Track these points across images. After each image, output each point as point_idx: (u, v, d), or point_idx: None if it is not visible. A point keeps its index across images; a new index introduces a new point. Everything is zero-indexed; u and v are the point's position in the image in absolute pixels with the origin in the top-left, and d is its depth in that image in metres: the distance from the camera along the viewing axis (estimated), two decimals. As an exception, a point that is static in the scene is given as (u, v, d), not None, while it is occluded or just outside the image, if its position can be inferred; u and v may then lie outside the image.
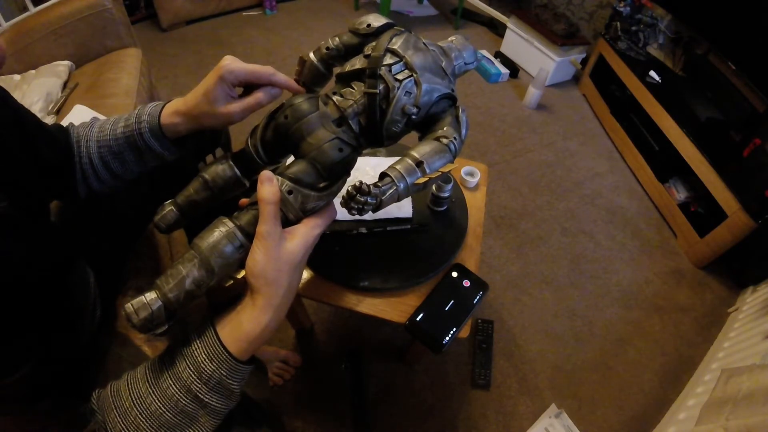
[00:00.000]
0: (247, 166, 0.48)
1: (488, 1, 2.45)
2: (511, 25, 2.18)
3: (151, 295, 0.39)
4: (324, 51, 0.51)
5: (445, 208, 0.78)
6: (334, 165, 0.43)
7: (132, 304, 0.39)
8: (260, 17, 2.45)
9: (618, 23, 1.85)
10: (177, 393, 0.38)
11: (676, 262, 1.41)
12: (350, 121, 0.44)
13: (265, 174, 0.39)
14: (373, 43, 0.46)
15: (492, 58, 2.19)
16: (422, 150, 0.44)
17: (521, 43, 2.15)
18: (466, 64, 0.51)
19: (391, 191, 0.41)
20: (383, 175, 0.42)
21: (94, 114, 1.01)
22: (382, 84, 0.43)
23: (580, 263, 1.37)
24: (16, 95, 1.00)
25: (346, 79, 0.46)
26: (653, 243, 1.46)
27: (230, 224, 0.42)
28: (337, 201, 0.44)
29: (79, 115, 1.01)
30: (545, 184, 1.62)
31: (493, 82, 2.10)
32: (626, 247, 1.44)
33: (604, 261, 1.38)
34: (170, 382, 0.38)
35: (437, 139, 0.45)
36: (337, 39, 0.50)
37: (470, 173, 0.84)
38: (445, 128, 0.46)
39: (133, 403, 0.38)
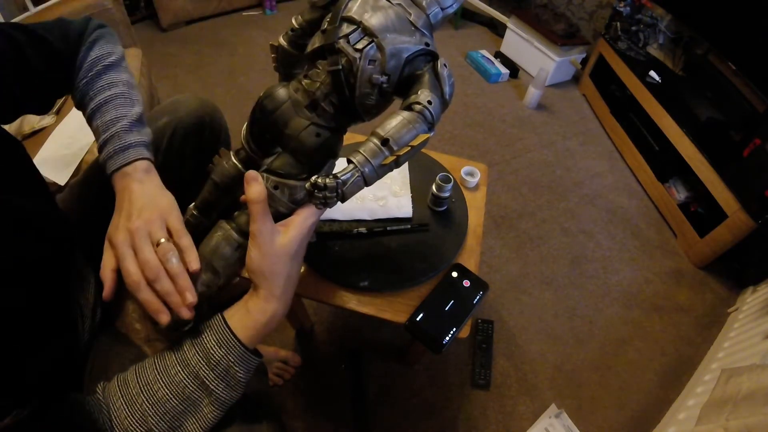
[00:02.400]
0: (248, 161, 0.49)
1: (488, 1, 2.45)
2: (511, 25, 2.17)
3: None
4: (290, 33, 0.49)
5: (445, 208, 0.78)
6: (313, 152, 0.42)
7: None
8: (260, 17, 2.46)
9: (618, 23, 1.84)
10: (185, 379, 0.39)
11: (676, 262, 1.41)
12: (322, 104, 0.41)
13: (250, 174, 0.40)
14: (329, 15, 0.42)
15: (492, 58, 2.18)
16: (388, 125, 0.39)
17: (521, 43, 2.15)
18: (443, 9, 0.43)
19: (353, 179, 0.38)
20: (348, 162, 0.39)
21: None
22: (343, 58, 0.39)
23: (580, 263, 1.37)
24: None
25: (312, 59, 0.43)
26: (653, 243, 1.46)
27: (226, 227, 0.44)
28: None
29: (79, 116, 1.00)
30: (545, 184, 1.62)
31: (493, 82, 2.10)
32: (626, 247, 1.44)
33: (604, 261, 1.38)
34: (179, 368, 0.39)
35: (410, 106, 0.40)
36: (300, 17, 0.48)
37: (470, 173, 0.84)
38: (419, 91, 0.40)
39: (141, 390, 0.39)
